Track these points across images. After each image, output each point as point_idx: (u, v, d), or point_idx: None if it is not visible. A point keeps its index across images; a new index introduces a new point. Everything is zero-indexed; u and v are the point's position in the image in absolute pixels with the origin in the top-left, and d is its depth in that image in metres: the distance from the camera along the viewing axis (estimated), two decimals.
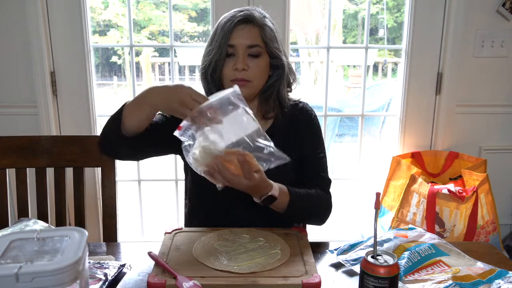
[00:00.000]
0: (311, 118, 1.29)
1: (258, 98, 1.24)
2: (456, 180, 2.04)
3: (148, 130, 1.13)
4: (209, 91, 1.21)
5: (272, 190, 1.07)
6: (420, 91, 2.14)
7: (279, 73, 1.21)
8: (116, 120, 1.09)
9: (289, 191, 1.13)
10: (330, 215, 1.24)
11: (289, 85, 1.26)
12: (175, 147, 1.08)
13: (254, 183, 1.01)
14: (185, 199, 1.34)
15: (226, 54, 1.15)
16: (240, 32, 1.14)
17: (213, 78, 1.19)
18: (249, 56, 1.15)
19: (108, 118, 1.13)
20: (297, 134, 1.25)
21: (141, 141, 1.13)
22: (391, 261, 0.82)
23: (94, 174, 2.11)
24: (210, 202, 1.23)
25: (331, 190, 1.26)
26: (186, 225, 1.37)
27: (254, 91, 1.20)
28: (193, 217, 1.31)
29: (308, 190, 1.18)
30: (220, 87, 1.19)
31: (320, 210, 1.22)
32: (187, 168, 1.27)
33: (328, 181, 1.26)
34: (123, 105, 1.10)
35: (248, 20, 1.15)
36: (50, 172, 1.36)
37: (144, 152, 1.22)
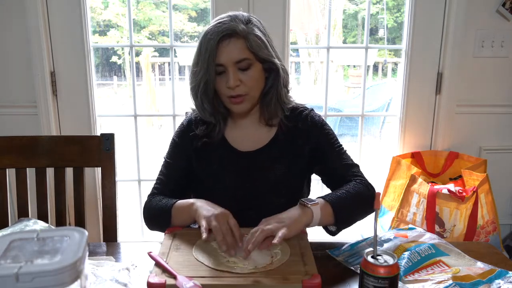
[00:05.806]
0: (320, 125, 1.24)
1: (259, 105, 1.21)
2: (456, 180, 2.04)
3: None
4: (202, 108, 1.19)
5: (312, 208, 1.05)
6: (420, 91, 2.14)
7: (274, 75, 1.17)
8: (164, 219, 1.13)
9: (325, 200, 1.08)
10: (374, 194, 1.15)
11: (286, 86, 1.23)
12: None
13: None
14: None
15: (216, 73, 1.11)
16: (225, 49, 1.08)
17: (206, 95, 1.16)
18: (239, 70, 1.11)
19: (152, 209, 1.18)
20: (305, 143, 1.22)
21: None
22: (391, 261, 0.82)
23: (94, 174, 2.11)
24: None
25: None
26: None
27: (253, 102, 1.17)
28: None
29: (342, 188, 1.14)
30: (215, 103, 1.17)
31: (365, 201, 1.14)
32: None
33: (357, 166, 1.22)
34: (172, 205, 1.13)
35: (230, 34, 1.08)
36: (50, 172, 1.36)
37: None
